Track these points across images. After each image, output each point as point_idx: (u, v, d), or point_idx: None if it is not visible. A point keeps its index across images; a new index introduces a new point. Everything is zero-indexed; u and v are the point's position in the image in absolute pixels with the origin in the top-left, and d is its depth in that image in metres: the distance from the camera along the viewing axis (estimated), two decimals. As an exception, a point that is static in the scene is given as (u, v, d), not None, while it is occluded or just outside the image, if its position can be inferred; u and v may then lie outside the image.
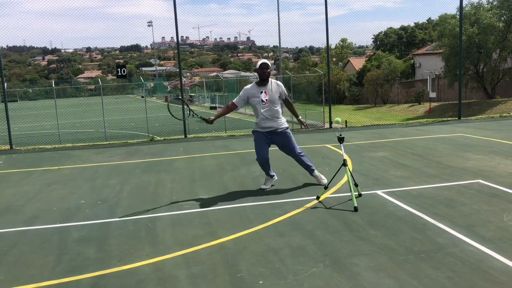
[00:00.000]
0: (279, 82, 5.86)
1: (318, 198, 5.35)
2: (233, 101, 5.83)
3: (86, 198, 5.99)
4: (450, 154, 7.64)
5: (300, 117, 6.07)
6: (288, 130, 5.94)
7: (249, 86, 5.86)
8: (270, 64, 5.84)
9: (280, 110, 5.80)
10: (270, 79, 5.80)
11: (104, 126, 15.16)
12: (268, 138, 5.85)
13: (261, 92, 5.69)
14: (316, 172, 6.06)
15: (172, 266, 3.73)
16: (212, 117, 5.77)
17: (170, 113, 5.92)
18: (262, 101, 5.69)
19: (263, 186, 6.03)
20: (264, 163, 5.92)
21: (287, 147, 5.94)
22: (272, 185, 6.07)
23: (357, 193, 5.37)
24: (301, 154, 5.98)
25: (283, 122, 5.88)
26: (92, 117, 23.75)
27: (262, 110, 5.70)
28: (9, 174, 8.00)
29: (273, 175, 6.12)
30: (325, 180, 5.93)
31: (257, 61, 5.99)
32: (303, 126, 6.06)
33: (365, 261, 3.63)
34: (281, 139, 5.88)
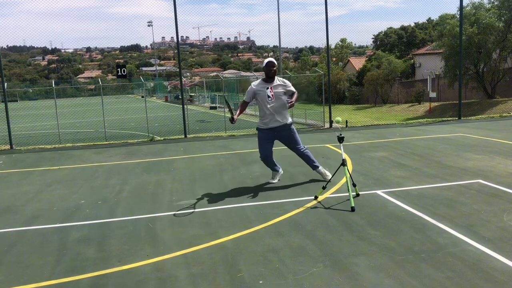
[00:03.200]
0: (285, 80, 6.07)
1: (316, 198, 5.35)
2: (244, 99, 6.13)
3: (86, 198, 5.99)
4: (450, 154, 7.64)
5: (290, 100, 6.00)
6: (293, 126, 6.14)
7: (256, 82, 6.07)
8: (276, 63, 6.06)
9: (286, 106, 5.99)
10: (276, 77, 6.00)
11: (104, 126, 15.16)
12: (272, 135, 6.04)
13: (267, 88, 5.90)
14: (321, 169, 6.23)
15: (172, 266, 3.73)
16: (235, 116, 5.87)
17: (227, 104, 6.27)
18: (268, 96, 5.87)
19: (272, 180, 6.28)
20: (267, 160, 6.17)
21: (291, 143, 6.14)
22: (279, 179, 6.32)
23: (355, 193, 5.37)
24: (304, 150, 6.17)
25: (288, 117, 6.07)
26: (92, 117, 23.76)
27: (268, 106, 5.88)
28: (9, 174, 8.00)
29: (279, 170, 6.37)
30: (329, 176, 6.09)
31: (262, 61, 6.17)
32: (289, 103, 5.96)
33: (365, 261, 3.64)
34: (285, 135, 6.08)
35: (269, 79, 5.98)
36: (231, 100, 37.11)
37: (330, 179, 5.80)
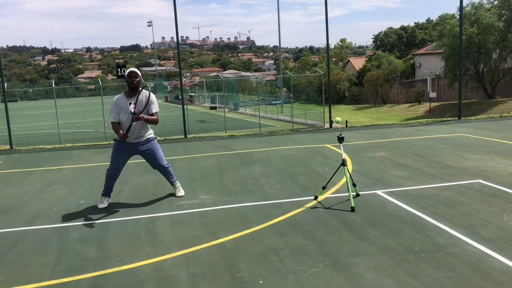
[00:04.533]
0: (151, 95, 5.41)
1: (316, 198, 5.35)
2: (110, 120, 5.40)
3: (86, 198, 5.99)
4: (450, 154, 7.64)
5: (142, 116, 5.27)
6: (155, 140, 5.68)
7: (118, 96, 5.43)
8: (139, 73, 5.39)
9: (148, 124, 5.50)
10: (142, 90, 5.36)
11: (104, 126, 15.15)
12: (131, 150, 5.51)
13: (130, 104, 5.27)
14: (178, 184, 5.95)
15: (172, 266, 3.73)
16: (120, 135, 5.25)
17: None
18: (132, 113, 5.23)
19: (100, 205, 5.55)
20: (115, 175, 5.56)
21: (155, 158, 5.64)
22: (107, 205, 5.58)
23: (355, 193, 5.37)
24: (168, 166, 5.79)
25: (150, 131, 5.60)
26: (92, 117, 23.75)
27: (132, 123, 5.20)
28: (9, 174, 8.00)
29: (110, 194, 5.68)
30: (182, 193, 5.85)
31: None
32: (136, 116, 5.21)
33: (365, 261, 3.64)
34: (148, 151, 5.57)
35: (132, 91, 5.33)
36: (230, 100, 37.15)
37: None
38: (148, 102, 5.34)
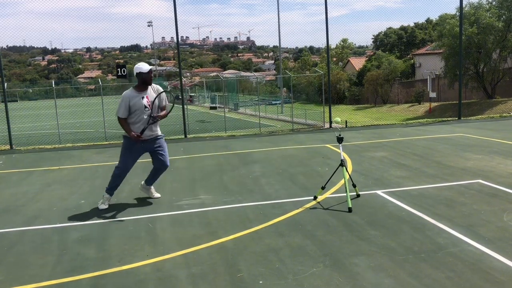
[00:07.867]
0: (159, 87, 5.51)
1: (315, 198, 5.35)
2: (119, 115, 5.35)
3: (86, 198, 5.99)
4: (450, 154, 7.64)
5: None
6: (164, 138, 5.65)
7: (127, 92, 5.37)
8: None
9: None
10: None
11: (104, 126, 15.16)
12: (143, 147, 5.44)
13: (143, 98, 5.30)
14: (153, 188, 5.84)
15: (172, 266, 3.73)
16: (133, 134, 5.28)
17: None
18: (145, 106, 5.28)
19: (102, 206, 5.46)
20: (123, 175, 5.49)
21: (164, 157, 5.55)
22: (106, 207, 5.47)
23: (355, 194, 5.37)
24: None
25: (159, 129, 5.60)
26: (92, 117, 23.74)
27: (145, 116, 5.28)
28: (9, 174, 8.00)
29: (112, 195, 5.60)
30: (158, 195, 5.78)
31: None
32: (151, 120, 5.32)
33: (365, 261, 3.64)
34: (159, 146, 5.53)
35: (142, 86, 5.34)
36: (230, 100, 37.13)
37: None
38: (158, 93, 5.42)
